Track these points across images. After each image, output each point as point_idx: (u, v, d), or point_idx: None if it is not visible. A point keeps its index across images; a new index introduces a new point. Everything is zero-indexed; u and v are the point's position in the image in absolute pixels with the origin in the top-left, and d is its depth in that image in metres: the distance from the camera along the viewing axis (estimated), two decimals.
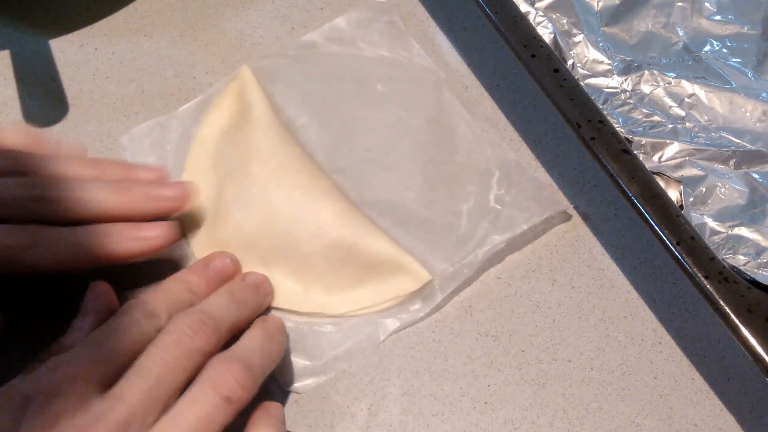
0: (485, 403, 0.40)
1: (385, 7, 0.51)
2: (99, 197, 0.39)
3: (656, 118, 0.44)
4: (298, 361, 0.41)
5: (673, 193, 0.41)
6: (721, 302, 0.36)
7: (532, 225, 0.44)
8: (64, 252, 0.38)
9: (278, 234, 0.42)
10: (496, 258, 0.43)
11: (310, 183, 0.43)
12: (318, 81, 0.49)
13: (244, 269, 0.42)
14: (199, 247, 0.44)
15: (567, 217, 0.45)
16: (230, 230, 0.43)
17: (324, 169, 0.45)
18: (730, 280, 0.36)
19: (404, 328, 0.42)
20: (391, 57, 0.50)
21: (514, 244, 0.44)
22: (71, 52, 0.50)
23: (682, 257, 0.37)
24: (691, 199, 0.40)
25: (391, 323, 0.42)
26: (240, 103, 0.47)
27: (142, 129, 0.48)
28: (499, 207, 0.44)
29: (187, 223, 0.44)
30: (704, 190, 0.41)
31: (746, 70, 0.46)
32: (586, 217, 0.45)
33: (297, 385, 0.40)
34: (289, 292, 0.42)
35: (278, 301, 0.42)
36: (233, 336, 0.37)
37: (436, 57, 0.50)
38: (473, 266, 0.43)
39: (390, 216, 0.44)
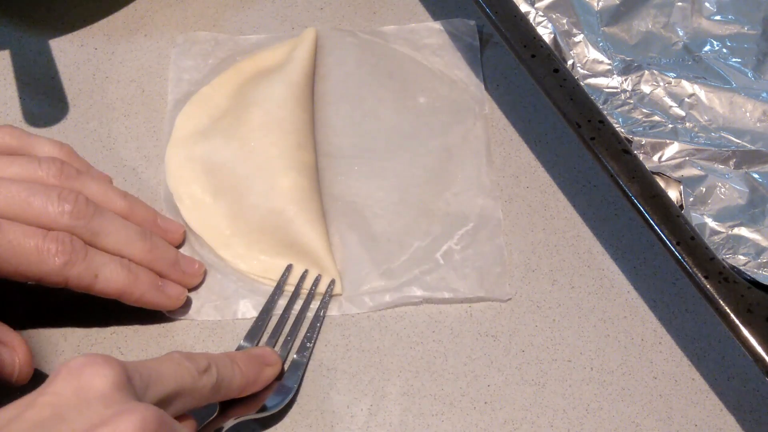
0: (485, 403, 0.40)
1: (472, 30, 0.51)
2: (134, 243, 0.40)
3: (656, 118, 0.44)
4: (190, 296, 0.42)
5: (673, 193, 0.41)
6: (721, 302, 0.36)
7: (454, 297, 0.42)
8: (115, 288, 0.39)
9: (237, 175, 0.44)
10: (411, 304, 0.42)
11: (292, 149, 0.44)
12: (368, 70, 0.49)
13: (196, 190, 0.44)
14: (173, 149, 0.46)
15: (502, 300, 0.43)
16: (204, 151, 0.45)
17: (318, 148, 0.46)
18: (730, 280, 0.36)
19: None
20: (451, 78, 0.49)
21: (433, 301, 0.43)
22: (71, 52, 0.50)
23: (682, 257, 0.37)
24: (691, 199, 0.40)
25: (283, 305, 0.42)
26: (287, 56, 0.48)
27: (200, 36, 0.50)
28: (441, 261, 0.43)
29: (178, 125, 0.47)
30: (704, 190, 0.41)
31: (746, 70, 0.46)
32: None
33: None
34: (217, 230, 0.44)
35: (203, 232, 0.44)
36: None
37: None
38: (379, 305, 0.42)
39: (344, 217, 0.44)
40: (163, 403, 0.32)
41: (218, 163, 0.45)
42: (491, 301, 0.43)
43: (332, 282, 0.42)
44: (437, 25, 0.51)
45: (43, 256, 0.37)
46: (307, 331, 0.41)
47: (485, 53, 0.50)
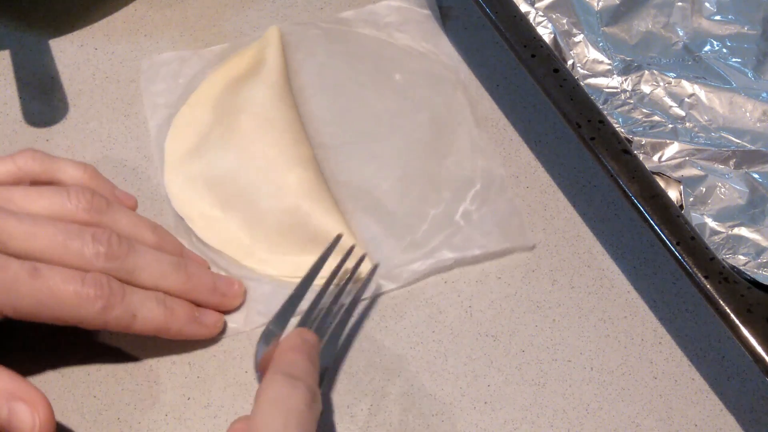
0: (485, 403, 0.40)
1: (424, 2, 0.51)
2: (169, 276, 0.39)
3: (656, 118, 0.44)
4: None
5: (673, 193, 0.41)
6: (721, 302, 0.36)
7: (484, 252, 0.43)
8: (153, 326, 0.38)
9: (243, 183, 0.44)
10: (443, 269, 0.43)
11: (289, 146, 0.45)
12: (339, 58, 0.50)
13: (204, 208, 0.44)
14: (170, 173, 0.45)
15: (528, 248, 0.44)
16: (202, 166, 0.45)
17: (312, 141, 0.46)
18: (730, 280, 0.36)
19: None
20: (420, 51, 0.50)
21: (464, 262, 0.43)
22: (71, 52, 0.50)
23: (682, 257, 0.37)
24: (691, 199, 0.40)
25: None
26: (258, 58, 0.48)
27: (164, 58, 0.50)
28: (462, 223, 0.44)
29: (168, 149, 0.46)
30: (704, 190, 0.41)
31: (746, 70, 0.46)
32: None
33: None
34: (236, 241, 0.43)
35: (223, 246, 0.43)
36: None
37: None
38: (414, 275, 0.43)
39: (356, 201, 0.45)
40: None
41: (220, 176, 0.44)
42: (518, 251, 0.44)
43: (361, 259, 0.42)
44: (395, 3, 0.51)
45: (83, 301, 0.36)
46: (340, 309, 0.41)
47: (453, 25, 0.51)
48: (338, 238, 0.42)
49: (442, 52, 0.50)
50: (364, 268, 0.42)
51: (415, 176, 0.46)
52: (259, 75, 0.47)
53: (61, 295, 0.36)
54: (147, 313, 0.38)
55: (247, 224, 0.43)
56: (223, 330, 0.41)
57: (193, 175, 0.45)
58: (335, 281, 0.41)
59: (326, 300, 0.41)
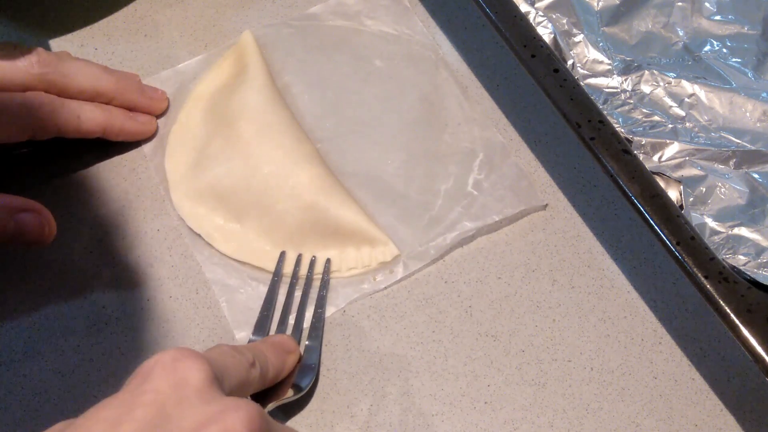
0: (485, 403, 0.40)
1: None
2: (101, 77, 0.44)
3: (656, 118, 0.44)
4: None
5: (673, 193, 0.41)
6: (721, 302, 0.36)
7: (503, 217, 0.44)
8: (98, 123, 0.44)
9: (255, 190, 0.44)
10: (465, 240, 0.44)
11: (293, 146, 0.45)
12: (318, 52, 0.50)
13: (219, 221, 0.44)
14: (176, 193, 0.45)
15: (541, 207, 0.45)
16: (209, 180, 0.45)
17: (310, 137, 0.46)
18: (730, 280, 0.36)
19: (362, 299, 0.43)
20: (393, 34, 0.51)
21: (485, 230, 0.44)
22: (71, 52, 0.50)
23: (682, 257, 0.37)
24: (691, 199, 0.40)
25: (351, 292, 0.43)
26: (238, 65, 0.48)
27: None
28: (475, 192, 0.45)
29: (169, 169, 0.46)
30: (704, 190, 0.41)
31: (746, 70, 0.46)
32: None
33: (244, 335, 0.41)
34: (258, 250, 0.44)
35: (248, 257, 0.43)
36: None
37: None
38: (440, 249, 0.44)
39: (368, 188, 0.45)
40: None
41: (230, 186, 0.44)
42: (532, 212, 0.45)
43: (328, 261, 0.43)
44: None
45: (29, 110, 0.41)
46: (315, 313, 0.42)
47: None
48: (282, 254, 0.43)
49: (416, 32, 0.51)
50: (389, 255, 0.43)
51: (418, 156, 0.46)
52: (245, 81, 0.47)
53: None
54: (89, 113, 0.43)
55: (265, 230, 0.44)
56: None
57: (201, 190, 0.45)
58: (359, 273, 0.43)
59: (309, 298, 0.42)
